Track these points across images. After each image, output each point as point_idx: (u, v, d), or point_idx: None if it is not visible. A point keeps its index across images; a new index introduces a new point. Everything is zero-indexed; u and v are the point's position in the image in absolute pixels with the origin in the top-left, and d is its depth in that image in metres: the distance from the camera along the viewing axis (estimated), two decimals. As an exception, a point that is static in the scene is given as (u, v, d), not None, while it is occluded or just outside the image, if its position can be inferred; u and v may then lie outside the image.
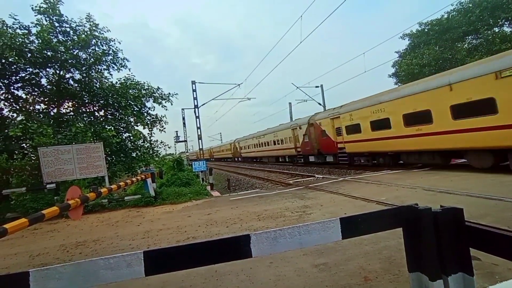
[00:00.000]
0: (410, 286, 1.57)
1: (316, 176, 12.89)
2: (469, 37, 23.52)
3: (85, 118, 12.31)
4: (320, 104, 26.63)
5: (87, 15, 11.71)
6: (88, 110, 12.97)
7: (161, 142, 14.59)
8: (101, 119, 12.72)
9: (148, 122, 13.65)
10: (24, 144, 10.41)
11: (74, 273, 1.25)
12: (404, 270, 2.73)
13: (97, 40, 11.88)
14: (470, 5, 22.43)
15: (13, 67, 10.50)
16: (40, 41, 10.35)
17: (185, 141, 35.20)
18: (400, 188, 7.31)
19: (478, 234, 1.38)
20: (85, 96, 12.42)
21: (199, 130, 18.67)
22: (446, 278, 1.44)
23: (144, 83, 13.40)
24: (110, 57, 12.46)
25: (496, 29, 21.88)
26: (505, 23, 21.52)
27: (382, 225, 1.59)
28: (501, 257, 1.29)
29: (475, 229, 1.40)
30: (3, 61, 9.98)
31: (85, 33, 11.42)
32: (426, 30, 25.43)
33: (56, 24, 11.11)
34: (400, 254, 3.21)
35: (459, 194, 5.93)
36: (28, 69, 11.05)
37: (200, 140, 18.99)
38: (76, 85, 12.26)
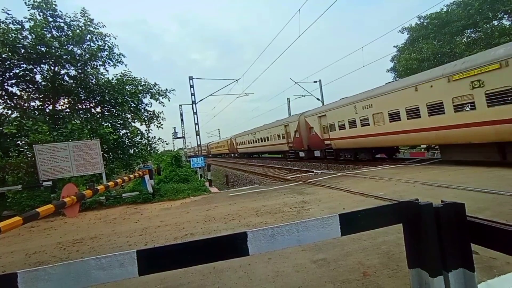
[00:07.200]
0: (410, 283, 1.55)
1: (315, 171, 12.88)
2: (468, 30, 23.37)
3: (81, 115, 12.18)
4: (318, 99, 26.56)
5: (81, 10, 11.50)
6: (84, 106, 12.82)
7: (159, 139, 14.52)
8: (98, 116, 12.58)
9: (145, 119, 13.54)
10: (19, 142, 10.28)
11: (64, 274, 1.21)
12: (403, 265, 2.72)
13: (92, 35, 11.68)
14: (470, -2, 22.25)
15: (6, 63, 10.32)
16: (34, 37, 10.15)
17: (183, 137, 35.09)
18: (399, 183, 7.31)
19: (480, 229, 1.35)
20: (81, 93, 12.26)
21: (197, 126, 18.57)
22: (447, 274, 1.42)
23: (141, 79, 13.26)
24: (106, 52, 12.27)
25: (495, 23, 21.75)
26: (504, 16, 21.38)
27: (382, 221, 1.56)
28: (505, 252, 1.26)
29: (477, 224, 1.36)
30: (-4, 57, 9.80)
31: (80, 28, 11.22)
32: (425, 23, 25.26)
33: (50, 19, 10.89)
34: (399, 249, 3.20)
35: (457, 188, 5.93)
36: (22, 65, 10.86)
37: (198, 137, 18.90)
38: (72, 81, 12.08)
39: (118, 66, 12.92)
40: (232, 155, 43.84)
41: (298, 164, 19.10)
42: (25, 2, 10.52)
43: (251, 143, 32.46)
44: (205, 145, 63.25)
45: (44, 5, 10.60)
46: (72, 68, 11.72)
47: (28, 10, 10.54)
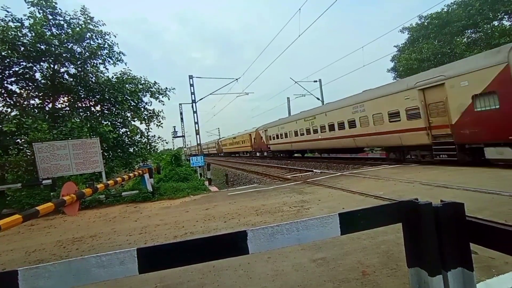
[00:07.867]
0: (409, 282, 1.55)
1: (314, 171, 12.89)
2: (469, 31, 23.36)
3: (81, 113, 12.18)
4: (318, 98, 26.56)
5: (81, 8, 11.47)
6: (84, 105, 12.81)
7: (159, 138, 14.54)
8: (98, 114, 12.58)
9: (145, 117, 13.55)
10: (19, 140, 10.28)
11: (64, 272, 1.22)
12: (402, 265, 2.73)
13: (92, 33, 11.65)
14: (470, -2, 22.24)
15: (6, 61, 10.30)
16: (33, 34, 10.13)
17: (183, 136, 35.13)
18: (398, 183, 7.32)
19: (479, 229, 1.35)
20: (81, 91, 12.25)
21: (196, 125, 18.55)
22: (446, 273, 1.42)
23: (141, 77, 13.25)
24: (106, 51, 12.25)
25: (496, 23, 21.74)
26: (505, 16, 21.37)
27: (382, 221, 1.57)
28: (503, 252, 1.27)
29: (476, 224, 1.37)
30: (-4, 55, 9.78)
31: (80, 26, 11.19)
32: (425, 23, 25.24)
33: (50, 17, 10.87)
34: (398, 248, 3.20)
35: (456, 188, 5.94)
36: (21, 63, 10.85)
37: (198, 135, 18.89)
38: (71, 79, 12.06)
39: (118, 64, 12.92)
40: (258, 153, 31.55)
41: (298, 163, 19.10)
42: (25, 0, 10.50)
43: (301, 134, 20.61)
44: (215, 141, 56.57)
45: (43, 3, 10.57)
46: (72, 66, 11.70)
47: (28, 8, 10.52)
